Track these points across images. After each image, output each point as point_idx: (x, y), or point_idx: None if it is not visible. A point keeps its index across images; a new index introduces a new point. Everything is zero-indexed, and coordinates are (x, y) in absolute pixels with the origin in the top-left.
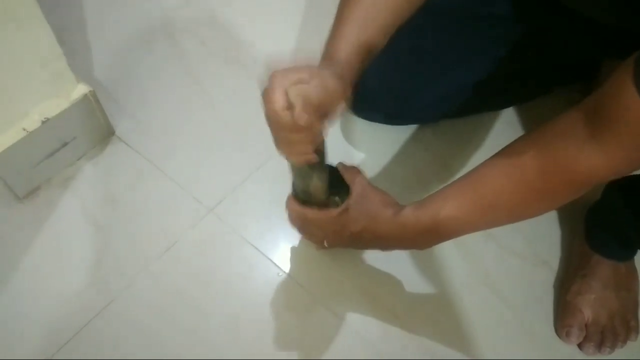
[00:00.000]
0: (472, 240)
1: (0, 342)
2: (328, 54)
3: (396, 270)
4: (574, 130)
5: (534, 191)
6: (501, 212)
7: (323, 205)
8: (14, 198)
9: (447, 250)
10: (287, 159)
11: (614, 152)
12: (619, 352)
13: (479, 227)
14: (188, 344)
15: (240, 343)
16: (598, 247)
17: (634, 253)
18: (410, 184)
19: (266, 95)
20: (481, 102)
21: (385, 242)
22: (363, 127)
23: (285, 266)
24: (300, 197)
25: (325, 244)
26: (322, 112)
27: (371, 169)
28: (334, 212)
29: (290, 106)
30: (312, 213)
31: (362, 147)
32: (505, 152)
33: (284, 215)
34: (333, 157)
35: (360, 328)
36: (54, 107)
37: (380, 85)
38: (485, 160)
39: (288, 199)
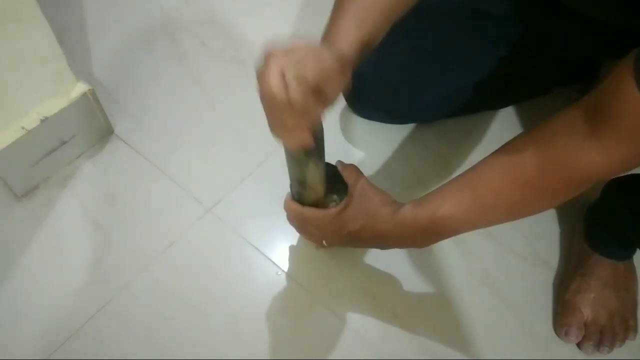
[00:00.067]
0: (472, 239)
1: None
2: (328, 38)
3: (396, 270)
4: (574, 128)
5: (533, 189)
6: (500, 210)
7: (321, 201)
8: (13, 197)
9: (447, 250)
10: (282, 144)
11: (614, 148)
12: (617, 352)
13: (478, 225)
14: (187, 343)
15: (239, 342)
16: (597, 247)
17: (633, 252)
18: (409, 183)
19: (261, 74)
20: (481, 101)
21: (384, 240)
22: (362, 125)
23: (285, 265)
24: (296, 191)
25: (325, 243)
26: (318, 91)
27: (370, 167)
28: (332, 211)
29: (285, 84)
30: (310, 213)
31: (361, 145)
32: (504, 149)
33: (283, 214)
34: (332, 156)
35: (360, 328)
36: (53, 105)
37: (381, 85)
38: (484, 158)
39: (286, 199)
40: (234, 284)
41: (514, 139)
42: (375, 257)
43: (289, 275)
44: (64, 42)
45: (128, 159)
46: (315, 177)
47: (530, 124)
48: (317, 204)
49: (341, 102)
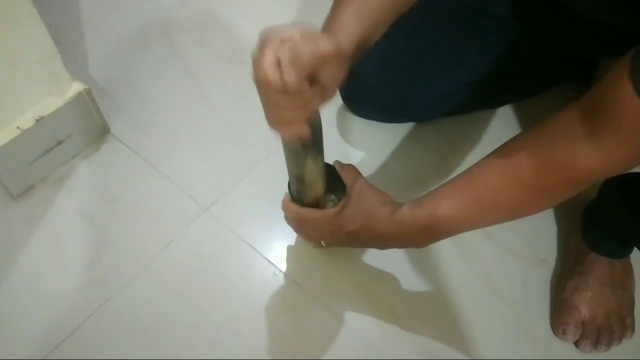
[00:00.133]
0: (470, 239)
1: None
2: (328, 29)
3: (394, 269)
4: (571, 128)
5: (531, 189)
6: (498, 210)
7: (319, 200)
8: (9, 197)
9: (445, 249)
10: (278, 133)
11: (611, 149)
12: (614, 350)
13: (476, 225)
14: (185, 343)
15: (237, 342)
16: (594, 245)
17: (630, 251)
18: (407, 183)
19: (256, 65)
20: (480, 100)
21: (383, 240)
22: (361, 125)
23: (282, 265)
24: (295, 188)
25: (323, 243)
26: (314, 78)
27: (369, 167)
28: (330, 211)
29: (280, 69)
30: (308, 213)
31: (359, 145)
32: (503, 150)
33: (280, 213)
34: (330, 156)
35: (358, 327)
36: (49, 105)
37: (380, 84)
38: (483, 158)
39: (284, 199)
40: (231, 284)
41: (512, 139)
42: (374, 257)
43: (287, 275)
44: (60, 41)
45: (124, 158)
46: (314, 173)
47: (529, 122)
48: (316, 204)
49: (339, 102)
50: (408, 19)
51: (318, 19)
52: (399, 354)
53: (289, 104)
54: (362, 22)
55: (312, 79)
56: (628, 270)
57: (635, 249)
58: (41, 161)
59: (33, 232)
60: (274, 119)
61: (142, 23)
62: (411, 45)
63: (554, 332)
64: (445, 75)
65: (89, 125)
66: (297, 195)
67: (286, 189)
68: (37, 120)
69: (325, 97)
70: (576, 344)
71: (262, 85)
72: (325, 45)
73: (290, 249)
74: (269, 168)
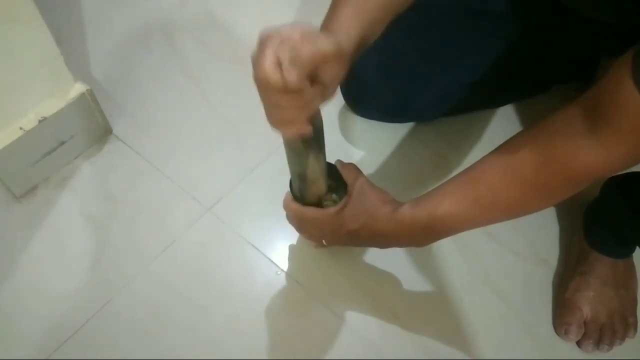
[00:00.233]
0: (472, 238)
1: None
2: (326, 28)
3: (395, 269)
4: (572, 126)
5: (532, 187)
6: (499, 209)
7: (320, 197)
8: (12, 197)
9: (447, 249)
10: (280, 133)
11: (612, 147)
12: (617, 350)
13: (477, 224)
14: (187, 343)
15: (239, 342)
16: (596, 245)
17: (632, 250)
18: (408, 182)
19: (256, 66)
20: (480, 100)
21: (384, 239)
22: (362, 124)
23: (284, 265)
24: (297, 187)
25: (324, 242)
26: (314, 77)
27: (369, 166)
28: (331, 210)
29: (279, 67)
30: (309, 212)
31: (360, 144)
32: (503, 148)
33: (282, 213)
34: (331, 155)
35: (359, 327)
36: (52, 106)
37: (380, 84)
38: (483, 157)
39: (285, 198)
40: (233, 284)
41: (513, 137)
42: (375, 256)
43: (289, 274)
44: (62, 42)
45: (127, 158)
46: (316, 171)
47: (529, 122)
48: (318, 202)
49: (340, 101)
50: (408, 19)
51: (317, 19)
52: (400, 353)
53: (289, 103)
54: (360, 21)
55: (312, 78)
56: (631, 270)
57: (638, 249)
58: (44, 162)
59: (35, 233)
60: (275, 118)
61: (143, 23)
62: (411, 45)
63: (556, 332)
64: (445, 75)
65: (92, 126)
66: (299, 194)
67: (287, 188)
68: (39, 121)
69: (325, 95)
70: (578, 343)
71: (263, 85)
72: (325, 45)
73: (292, 248)
74: (271, 168)
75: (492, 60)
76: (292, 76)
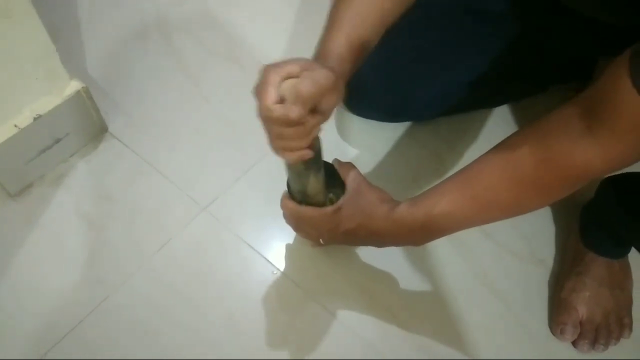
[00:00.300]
0: (469, 238)
1: None
2: (321, 52)
3: (393, 268)
4: (570, 125)
5: (529, 186)
6: (496, 208)
7: (319, 205)
8: (6, 195)
9: (444, 248)
10: (282, 157)
11: (610, 145)
12: (612, 350)
13: (474, 223)
14: (183, 341)
15: (235, 341)
16: (592, 245)
17: (628, 251)
18: (405, 181)
19: (258, 91)
20: (477, 100)
21: (381, 238)
22: (359, 124)
23: (280, 264)
24: (297, 198)
25: (321, 241)
26: (314, 106)
27: (367, 165)
28: (328, 209)
29: (281, 100)
30: (306, 211)
31: (357, 144)
32: (501, 147)
33: (278, 213)
34: (328, 154)
35: (356, 326)
36: (47, 103)
37: (379, 84)
38: (481, 156)
39: (282, 197)
40: (230, 283)
41: (510, 136)
42: (372, 256)
43: (285, 274)
44: (57, 39)
45: (122, 157)
46: (315, 187)
47: (526, 122)
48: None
49: None
50: (408, 19)
51: (317, 18)
52: (397, 353)
53: (292, 133)
54: (354, 40)
55: (312, 110)
56: (626, 270)
57: (633, 249)
58: (39, 160)
59: (31, 231)
60: (279, 147)
61: (141, 21)
62: (411, 45)
63: (552, 331)
64: (445, 75)
65: (87, 123)
66: (298, 198)
67: (284, 188)
68: (34, 119)
69: (324, 119)
70: (574, 343)
71: (266, 120)
72: (324, 79)
73: (288, 248)
74: (268, 167)
75: (491, 60)
76: (295, 113)
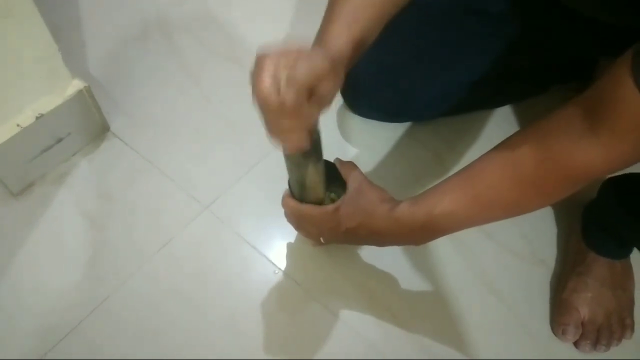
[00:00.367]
0: (470, 238)
1: None
2: (320, 42)
3: (393, 268)
4: (571, 125)
5: (530, 186)
6: (498, 208)
7: (319, 200)
8: (8, 194)
9: (445, 248)
10: (279, 146)
11: (612, 145)
12: (614, 350)
13: (475, 223)
14: (184, 341)
15: (237, 341)
16: (594, 246)
17: (630, 252)
18: (406, 181)
19: (254, 78)
20: (480, 100)
21: (382, 237)
22: (359, 124)
23: (282, 264)
24: (297, 192)
25: (322, 240)
26: (311, 93)
27: (367, 165)
28: (329, 208)
29: (277, 85)
30: (307, 210)
31: (358, 143)
32: (502, 147)
33: (280, 212)
34: (330, 154)
35: (357, 326)
36: (49, 103)
37: (378, 83)
38: (482, 156)
39: (284, 196)
40: (231, 283)
41: (512, 136)
42: (373, 255)
43: (286, 273)
44: (59, 39)
45: (124, 156)
46: (314, 179)
47: (527, 123)
48: (315, 201)
49: (338, 100)
50: (408, 18)
51: (315, 17)
52: (398, 353)
53: (289, 120)
54: (356, 26)
55: (309, 94)
56: (628, 270)
57: (635, 250)
58: (41, 159)
59: (32, 230)
60: (274, 132)
61: (142, 21)
62: (411, 44)
63: (553, 332)
64: (445, 75)
65: (89, 123)
66: (299, 197)
67: (285, 187)
68: (36, 118)
69: (322, 107)
70: (576, 344)
71: (262, 104)
72: (320, 63)
73: (289, 247)
74: (269, 166)
75: (491, 60)
76: (290, 96)
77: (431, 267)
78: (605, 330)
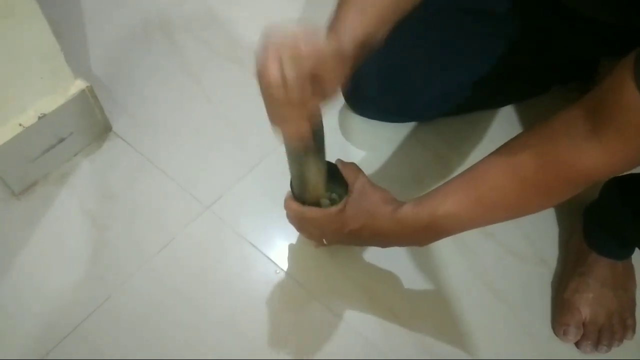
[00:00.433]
0: (471, 238)
1: None
2: (330, 31)
3: (395, 268)
4: (574, 127)
5: (533, 188)
6: (500, 209)
7: (320, 199)
8: (10, 194)
9: (446, 249)
10: (280, 133)
11: (614, 148)
12: (615, 351)
13: (477, 224)
14: (185, 341)
15: (237, 341)
16: (596, 246)
17: (631, 252)
18: (408, 182)
19: (259, 65)
20: (481, 100)
21: (384, 239)
22: (361, 124)
23: (283, 264)
24: (297, 189)
25: (324, 241)
26: (316, 80)
27: (370, 166)
28: (332, 210)
29: (280, 65)
30: (310, 212)
31: (360, 144)
32: (505, 149)
33: (281, 211)
34: (331, 154)
35: (359, 326)
36: (51, 102)
37: (380, 83)
38: (485, 157)
39: (286, 198)
40: (232, 283)
41: (515, 138)
42: (375, 256)
43: (288, 273)
44: (62, 38)
45: (126, 156)
46: (315, 174)
47: (529, 123)
48: (318, 202)
49: (340, 101)
50: (408, 19)
51: (318, 16)
52: (399, 353)
53: (290, 102)
54: (366, 22)
55: (313, 79)
56: (629, 271)
57: (637, 250)
58: (43, 159)
59: (34, 230)
60: (276, 117)
61: (143, 21)
62: (411, 45)
63: (554, 332)
64: (445, 75)
65: (91, 122)
66: (299, 194)
67: (287, 187)
68: (39, 118)
69: (326, 96)
70: (577, 344)
71: (264, 84)
72: (328, 49)
73: (291, 247)
74: (271, 166)
75: (492, 60)
76: (293, 76)
77: (432, 267)
78: (607, 330)
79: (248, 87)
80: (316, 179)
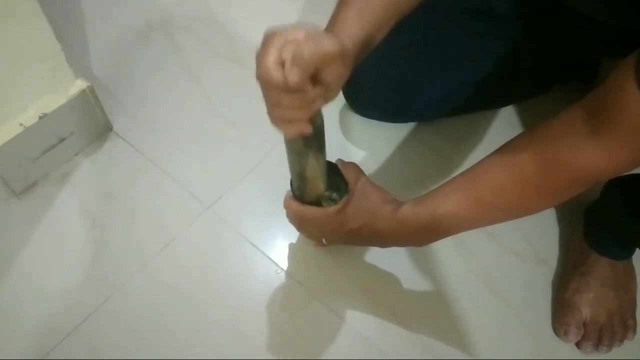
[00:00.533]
0: (471, 238)
1: None
2: (331, 31)
3: (395, 268)
4: (575, 127)
5: (533, 188)
6: (501, 209)
7: (319, 197)
8: (11, 194)
9: (446, 249)
10: (280, 130)
11: (615, 148)
12: (616, 351)
13: (478, 224)
14: (186, 341)
15: (238, 341)
16: (596, 246)
17: (632, 252)
18: (408, 182)
19: (259, 55)
20: (481, 100)
21: (384, 239)
22: (362, 124)
23: (284, 264)
24: (297, 187)
25: (324, 241)
26: (316, 76)
27: (370, 166)
28: (332, 209)
29: (282, 63)
30: (310, 212)
31: (360, 144)
32: (505, 149)
33: (282, 212)
34: (331, 154)
35: (359, 326)
36: (52, 102)
37: (380, 83)
38: (485, 158)
39: (286, 197)
40: (233, 283)
41: (515, 138)
42: (375, 256)
43: (289, 273)
44: (62, 38)
45: (127, 156)
46: (315, 171)
47: (529, 123)
48: (318, 201)
49: (341, 101)
50: (408, 19)
51: (319, 17)
52: (400, 353)
53: (291, 102)
54: (365, 23)
55: (315, 79)
56: (630, 271)
57: (638, 251)
58: (43, 158)
59: (34, 230)
60: (277, 116)
61: (144, 21)
62: (412, 44)
63: (555, 332)
64: (446, 75)
65: (92, 122)
66: (299, 193)
67: (287, 187)
68: (40, 118)
69: (327, 96)
70: (578, 344)
71: (265, 84)
72: (328, 45)
73: (292, 247)
74: (271, 166)
75: (492, 60)
76: (294, 75)
77: (433, 268)
78: (607, 330)
79: (248, 87)
80: (316, 178)
